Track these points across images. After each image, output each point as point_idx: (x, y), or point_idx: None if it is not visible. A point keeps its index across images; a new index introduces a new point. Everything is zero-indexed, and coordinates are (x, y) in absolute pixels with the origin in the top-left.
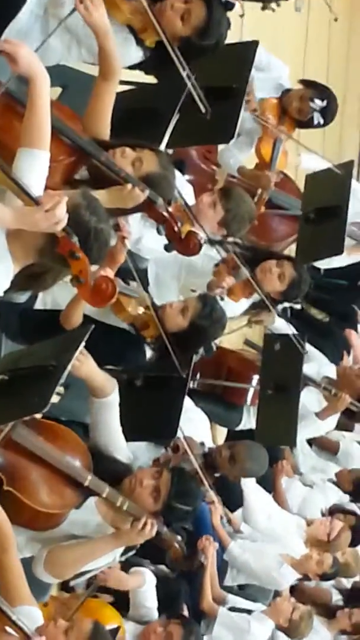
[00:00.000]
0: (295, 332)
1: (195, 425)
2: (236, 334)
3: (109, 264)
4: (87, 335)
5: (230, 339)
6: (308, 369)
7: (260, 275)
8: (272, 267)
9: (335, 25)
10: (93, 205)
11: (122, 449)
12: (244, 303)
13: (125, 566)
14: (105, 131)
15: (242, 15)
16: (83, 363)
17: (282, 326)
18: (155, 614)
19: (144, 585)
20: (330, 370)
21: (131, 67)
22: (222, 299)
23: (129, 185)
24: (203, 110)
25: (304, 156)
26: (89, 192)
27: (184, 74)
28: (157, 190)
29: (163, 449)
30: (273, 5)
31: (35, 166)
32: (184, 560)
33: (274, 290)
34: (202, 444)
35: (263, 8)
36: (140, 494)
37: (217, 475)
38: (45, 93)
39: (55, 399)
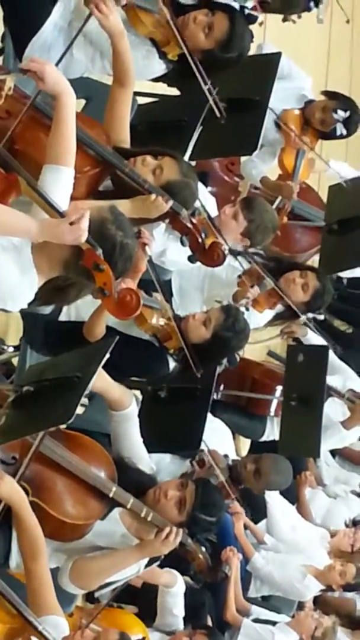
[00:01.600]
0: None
1: (219, 437)
2: (259, 346)
3: (131, 273)
4: (111, 346)
5: (253, 351)
6: (333, 381)
7: (284, 285)
8: (295, 278)
9: (357, 35)
10: (120, 220)
11: (144, 459)
12: (268, 314)
13: None
14: (125, 138)
15: (261, 24)
16: (96, 378)
17: (313, 337)
18: (181, 625)
19: (175, 586)
20: (355, 383)
21: (154, 80)
22: (247, 309)
23: (153, 196)
24: (220, 119)
25: (333, 162)
26: (116, 207)
27: (205, 88)
28: (178, 198)
29: (187, 461)
30: (294, 17)
31: (60, 182)
32: (208, 572)
33: (297, 300)
34: (226, 456)
35: (284, 20)
36: (165, 505)
37: (241, 487)
38: (71, 110)
39: (80, 410)
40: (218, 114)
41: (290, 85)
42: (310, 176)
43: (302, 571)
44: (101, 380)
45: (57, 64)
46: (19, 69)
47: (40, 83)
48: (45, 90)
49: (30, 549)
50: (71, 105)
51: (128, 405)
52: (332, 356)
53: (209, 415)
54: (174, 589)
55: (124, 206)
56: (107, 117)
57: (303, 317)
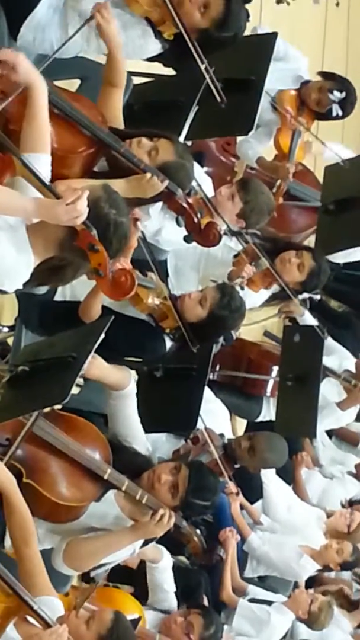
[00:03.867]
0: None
1: (215, 416)
2: (256, 326)
3: None
4: (107, 326)
5: (249, 331)
6: (329, 362)
7: (279, 265)
8: (291, 258)
9: (353, 16)
10: (113, 198)
11: (141, 439)
12: (264, 294)
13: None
14: (118, 124)
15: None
16: (92, 364)
17: (309, 318)
18: (173, 601)
19: (161, 561)
20: (351, 363)
21: (150, 60)
22: (242, 288)
23: (148, 175)
24: (219, 100)
25: (329, 144)
26: (110, 185)
27: (202, 67)
28: (174, 179)
29: (183, 440)
30: None
31: (38, 169)
32: (203, 554)
33: (293, 280)
34: (222, 435)
35: (278, 2)
36: (159, 489)
37: (237, 466)
38: (43, 100)
39: (75, 390)
40: (216, 94)
41: (287, 66)
42: (306, 157)
43: (298, 551)
44: (99, 368)
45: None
46: None
47: (12, 73)
48: (17, 80)
49: (21, 532)
50: (43, 95)
51: (127, 384)
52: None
53: (209, 395)
54: (161, 564)
55: (119, 185)
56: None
57: (296, 300)
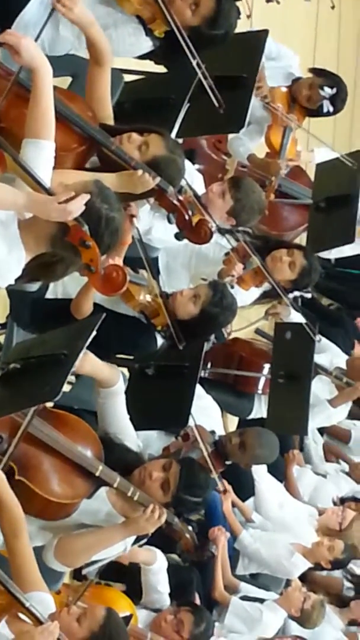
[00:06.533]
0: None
1: (207, 413)
2: (246, 324)
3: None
4: (98, 323)
5: (241, 328)
6: (321, 359)
7: (270, 263)
8: (282, 256)
9: (345, 13)
10: (104, 193)
11: (131, 436)
12: (255, 292)
13: None
14: (108, 114)
15: (249, 16)
16: (84, 360)
17: (297, 318)
18: (167, 601)
19: (155, 563)
20: (343, 361)
21: (141, 57)
22: (232, 287)
23: (140, 171)
24: (216, 104)
25: (317, 150)
26: (101, 180)
27: (194, 63)
28: (165, 174)
29: (174, 437)
30: None
31: (41, 156)
32: (195, 551)
33: (284, 278)
34: (213, 432)
35: (268, 0)
36: (150, 486)
37: (228, 463)
38: (48, 83)
39: (66, 387)
40: (209, 91)
41: (278, 64)
42: (301, 161)
43: (289, 549)
44: (90, 363)
45: (36, 40)
46: None
47: (16, 57)
48: (21, 64)
49: (11, 528)
50: (49, 78)
51: (116, 382)
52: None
53: (200, 391)
54: (155, 567)
55: (109, 180)
56: (87, 97)
57: (286, 299)
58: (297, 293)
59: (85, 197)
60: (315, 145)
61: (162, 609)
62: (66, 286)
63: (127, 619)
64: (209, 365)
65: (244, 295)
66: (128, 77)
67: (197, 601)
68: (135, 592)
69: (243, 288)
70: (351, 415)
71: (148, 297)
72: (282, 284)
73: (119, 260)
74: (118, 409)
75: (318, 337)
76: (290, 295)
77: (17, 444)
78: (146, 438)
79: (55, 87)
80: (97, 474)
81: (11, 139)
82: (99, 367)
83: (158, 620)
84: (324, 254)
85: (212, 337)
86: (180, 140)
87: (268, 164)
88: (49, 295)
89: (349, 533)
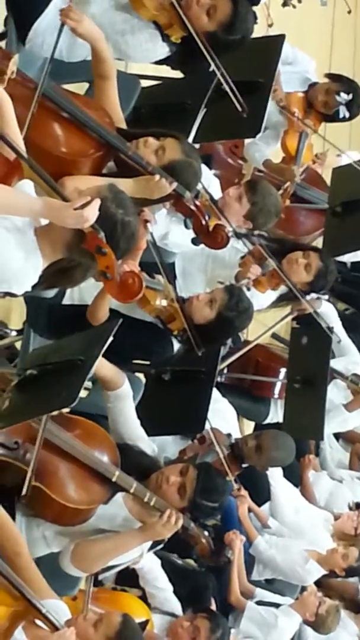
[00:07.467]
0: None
1: (223, 417)
2: (262, 328)
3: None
4: (114, 329)
5: (257, 333)
6: (336, 365)
7: (286, 266)
8: (298, 258)
9: None
10: (119, 197)
11: (143, 439)
12: (271, 295)
13: None
14: (119, 118)
15: (270, 25)
16: None
17: (329, 310)
18: (175, 600)
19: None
20: (358, 366)
21: (158, 63)
22: (248, 289)
23: (157, 176)
24: (239, 108)
25: (350, 153)
26: (115, 185)
27: (213, 66)
28: (181, 178)
29: (189, 440)
30: (294, 1)
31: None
32: (211, 556)
33: (300, 281)
34: (229, 435)
35: (284, 5)
36: (167, 491)
37: (244, 466)
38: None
39: (83, 393)
40: (230, 93)
41: (294, 69)
42: (326, 165)
43: (304, 556)
44: None
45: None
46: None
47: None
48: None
49: (10, 545)
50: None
51: (121, 384)
52: (344, 336)
53: (216, 395)
54: (145, 567)
55: (126, 185)
56: None
57: (304, 300)
58: (313, 295)
59: (98, 202)
60: (331, 151)
61: (175, 611)
62: (82, 292)
63: (143, 624)
64: (225, 370)
65: (261, 299)
66: (145, 83)
67: (213, 606)
68: None
69: (259, 290)
70: None
71: (164, 302)
72: (298, 286)
73: (133, 265)
74: (127, 412)
75: (338, 338)
76: (307, 298)
77: (37, 454)
78: (161, 441)
79: (72, 93)
80: (114, 479)
81: (28, 147)
82: (104, 367)
83: (174, 626)
84: (339, 258)
85: (229, 341)
86: (197, 146)
87: (284, 169)
88: (65, 301)
89: None
